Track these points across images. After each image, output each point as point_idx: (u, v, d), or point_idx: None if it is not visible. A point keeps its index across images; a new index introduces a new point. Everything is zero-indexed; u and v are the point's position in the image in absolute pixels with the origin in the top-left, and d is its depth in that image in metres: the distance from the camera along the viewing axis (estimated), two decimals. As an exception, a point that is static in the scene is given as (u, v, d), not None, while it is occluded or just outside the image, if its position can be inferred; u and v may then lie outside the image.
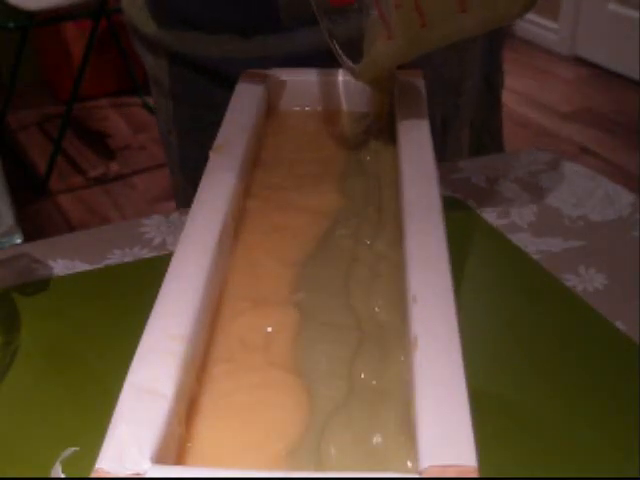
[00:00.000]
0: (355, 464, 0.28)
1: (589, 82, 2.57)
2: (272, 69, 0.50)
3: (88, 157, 2.19)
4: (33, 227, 1.80)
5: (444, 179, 0.60)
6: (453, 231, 0.35)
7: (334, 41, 0.44)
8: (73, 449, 0.29)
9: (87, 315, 0.47)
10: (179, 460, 0.28)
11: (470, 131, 0.72)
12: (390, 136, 0.46)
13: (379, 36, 0.41)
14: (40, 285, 0.50)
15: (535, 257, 0.51)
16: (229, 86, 0.47)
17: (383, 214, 0.40)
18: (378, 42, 0.41)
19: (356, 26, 0.43)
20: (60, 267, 0.51)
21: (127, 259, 0.52)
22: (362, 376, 0.31)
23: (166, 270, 0.33)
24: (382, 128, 0.47)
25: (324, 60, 0.46)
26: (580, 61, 2.69)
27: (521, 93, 2.46)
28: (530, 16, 2.68)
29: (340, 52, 0.44)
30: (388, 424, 0.29)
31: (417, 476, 0.25)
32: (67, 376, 0.43)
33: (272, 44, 0.61)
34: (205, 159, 0.40)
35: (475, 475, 0.24)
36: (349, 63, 0.44)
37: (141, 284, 0.48)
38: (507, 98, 0.74)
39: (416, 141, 0.42)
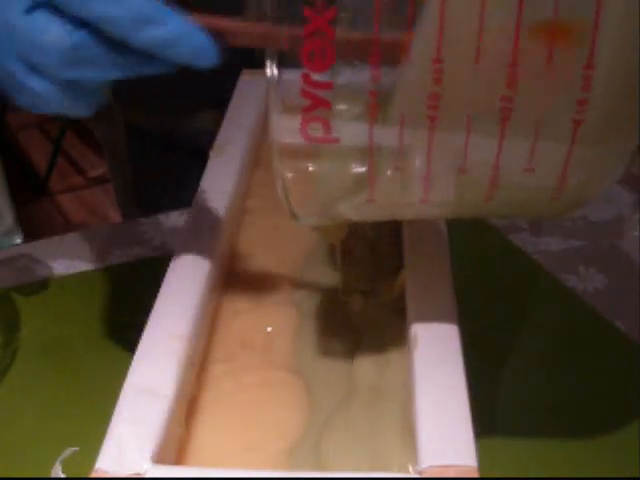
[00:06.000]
0: (355, 464, 0.28)
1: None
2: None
3: (88, 157, 2.19)
4: (33, 227, 1.80)
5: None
6: (453, 231, 0.35)
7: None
8: (73, 449, 0.29)
9: (87, 315, 0.47)
10: (179, 460, 0.28)
11: None
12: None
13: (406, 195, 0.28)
14: (40, 285, 0.50)
15: (535, 257, 0.51)
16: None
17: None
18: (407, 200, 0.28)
19: None
20: (60, 267, 0.51)
21: (127, 259, 0.52)
22: (362, 376, 0.31)
23: (166, 270, 0.33)
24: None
25: None
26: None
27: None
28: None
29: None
30: (388, 424, 0.29)
31: (417, 476, 0.25)
32: (67, 376, 0.43)
33: None
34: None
35: (475, 475, 0.24)
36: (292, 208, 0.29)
37: (141, 284, 0.48)
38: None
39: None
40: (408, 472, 0.27)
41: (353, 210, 0.29)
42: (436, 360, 0.28)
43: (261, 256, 0.38)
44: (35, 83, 0.28)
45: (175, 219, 0.56)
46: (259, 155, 0.45)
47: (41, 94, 0.29)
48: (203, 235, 0.35)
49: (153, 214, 0.56)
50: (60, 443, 0.31)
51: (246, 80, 0.49)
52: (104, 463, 0.25)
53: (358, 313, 0.35)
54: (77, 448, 0.29)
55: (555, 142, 0.25)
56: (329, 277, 0.37)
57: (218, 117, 0.45)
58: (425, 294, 0.32)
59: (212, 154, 0.42)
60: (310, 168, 0.27)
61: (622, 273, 0.50)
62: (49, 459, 0.28)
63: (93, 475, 0.25)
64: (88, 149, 2.21)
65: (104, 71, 0.28)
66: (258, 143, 0.46)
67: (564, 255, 0.51)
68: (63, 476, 0.27)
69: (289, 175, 0.27)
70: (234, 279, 0.37)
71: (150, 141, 0.63)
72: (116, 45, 0.27)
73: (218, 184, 0.39)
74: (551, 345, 0.44)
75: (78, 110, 0.30)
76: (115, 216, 1.97)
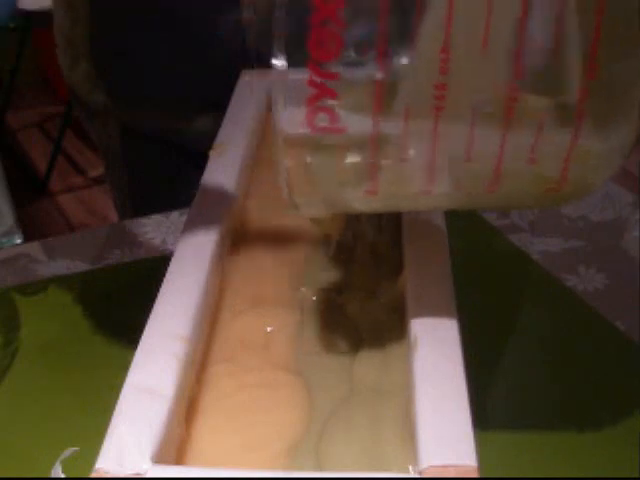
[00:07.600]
0: (355, 464, 0.28)
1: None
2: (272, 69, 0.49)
3: (88, 157, 2.19)
4: (33, 227, 1.80)
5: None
6: (453, 231, 0.35)
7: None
8: (73, 449, 0.29)
9: (87, 315, 0.47)
10: (179, 460, 0.28)
11: None
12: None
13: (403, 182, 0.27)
14: (40, 285, 0.50)
15: (535, 257, 0.51)
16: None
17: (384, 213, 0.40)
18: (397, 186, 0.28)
19: None
20: (60, 267, 0.51)
21: (127, 259, 0.52)
22: (362, 376, 0.31)
23: (166, 270, 0.33)
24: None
25: None
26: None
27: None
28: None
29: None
30: (388, 424, 0.29)
31: (417, 476, 0.25)
32: (67, 376, 0.43)
33: None
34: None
35: (475, 475, 0.24)
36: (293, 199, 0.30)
37: (141, 284, 0.48)
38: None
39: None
40: (408, 472, 0.27)
41: (355, 201, 0.29)
42: (436, 360, 0.28)
43: (261, 256, 0.38)
44: None
45: (175, 219, 0.56)
46: (259, 155, 0.45)
47: None
48: (203, 235, 0.35)
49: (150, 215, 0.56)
50: (60, 443, 0.31)
51: (246, 80, 0.49)
52: (104, 463, 0.25)
53: (358, 313, 0.35)
54: (77, 448, 0.29)
55: (558, 130, 0.25)
56: (329, 277, 0.37)
57: (217, 118, 0.45)
58: (425, 294, 0.32)
59: (212, 154, 0.42)
60: (313, 158, 0.27)
61: (622, 273, 0.50)
62: (49, 459, 0.28)
63: (93, 475, 0.25)
64: (88, 149, 2.21)
65: None
66: (258, 143, 0.46)
67: (564, 255, 0.52)
68: (63, 476, 0.27)
69: (292, 165, 0.27)
70: (234, 279, 0.37)
71: (149, 142, 0.63)
72: None
73: (218, 184, 0.39)
74: (551, 345, 0.44)
75: None
76: (115, 216, 1.96)
